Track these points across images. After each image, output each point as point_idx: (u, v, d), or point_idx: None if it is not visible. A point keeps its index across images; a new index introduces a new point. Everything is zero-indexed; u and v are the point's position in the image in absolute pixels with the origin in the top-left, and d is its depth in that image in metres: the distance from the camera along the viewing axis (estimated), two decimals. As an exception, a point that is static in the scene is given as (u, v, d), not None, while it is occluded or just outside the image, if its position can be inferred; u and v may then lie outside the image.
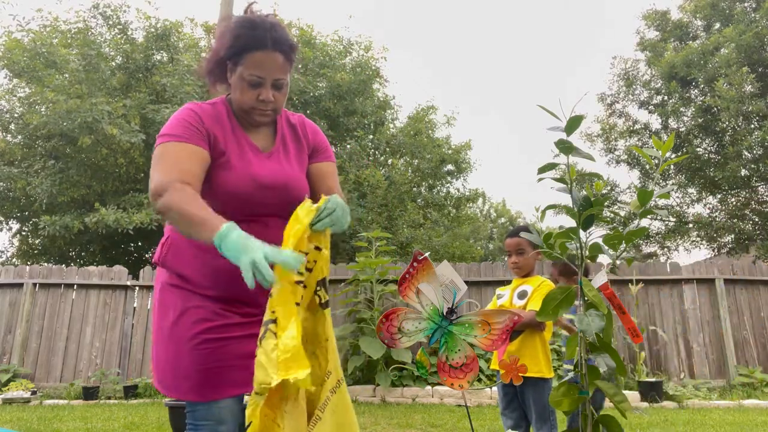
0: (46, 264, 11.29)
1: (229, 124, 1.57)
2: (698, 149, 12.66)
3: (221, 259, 1.48)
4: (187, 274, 1.51)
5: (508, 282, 2.93)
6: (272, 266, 1.20)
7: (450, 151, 13.86)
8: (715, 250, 13.38)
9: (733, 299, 7.78)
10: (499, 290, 2.86)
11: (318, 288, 1.33)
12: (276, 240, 1.30)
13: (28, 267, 7.90)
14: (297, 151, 1.66)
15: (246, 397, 1.65)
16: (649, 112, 13.36)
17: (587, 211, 1.41)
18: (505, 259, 2.88)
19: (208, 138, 1.51)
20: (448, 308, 1.52)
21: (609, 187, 13.49)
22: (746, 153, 11.67)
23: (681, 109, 12.47)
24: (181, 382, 1.45)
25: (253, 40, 1.46)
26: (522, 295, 2.69)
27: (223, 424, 1.44)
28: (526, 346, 2.55)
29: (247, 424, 1.14)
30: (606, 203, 1.53)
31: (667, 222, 13.55)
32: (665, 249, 13.91)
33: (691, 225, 13.30)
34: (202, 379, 1.42)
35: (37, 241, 12.29)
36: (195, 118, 1.51)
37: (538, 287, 2.63)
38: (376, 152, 13.74)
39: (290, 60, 1.52)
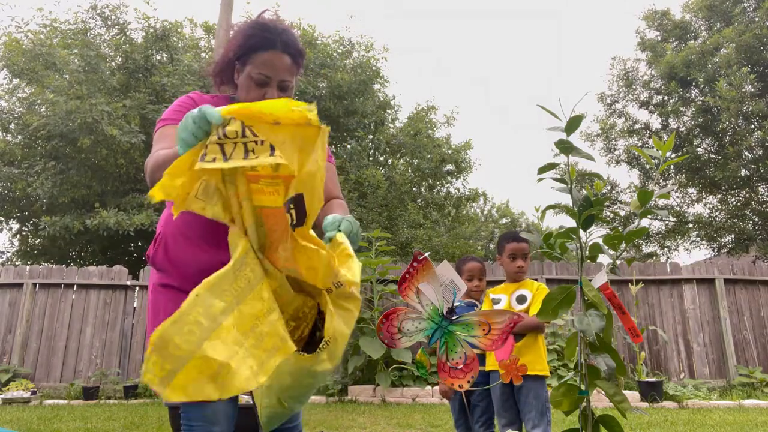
0: (46, 264, 11.29)
1: None
2: (698, 149, 12.63)
3: (209, 254, 1.47)
4: (177, 270, 1.51)
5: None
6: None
7: (450, 151, 13.86)
8: (715, 250, 13.36)
9: (733, 299, 7.78)
10: (492, 294, 2.84)
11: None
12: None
13: (28, 267, 7.90)
14: None
15: (242, 398, 1.65)
16: (650, 112, 13.34)
17: (587, 211, 1.41)
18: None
19: None
20: (448, 308, 1.52)
21: (609, 187, 13.47)
22: (746, 153, 11.66)
23: (681, 109, 12.46)
24: None
25: (263, 40, 1.53)
26: (521, 299, 2.71)
27: (217, 425, 1.45)
28: (528, 346, 2.59)
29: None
30: (606, 203, 1.53)
31: (667, 222, 13.54)
32: (665, 249, 13.88)
33: (691, 225, 13.28)
34: None
35: (37, 242, 12.27)
36: (192, 104, 1.55)
37: (537, 291, 2.66)
38: (376, 152, 13.74)
39: (297, 64, 1.59)
